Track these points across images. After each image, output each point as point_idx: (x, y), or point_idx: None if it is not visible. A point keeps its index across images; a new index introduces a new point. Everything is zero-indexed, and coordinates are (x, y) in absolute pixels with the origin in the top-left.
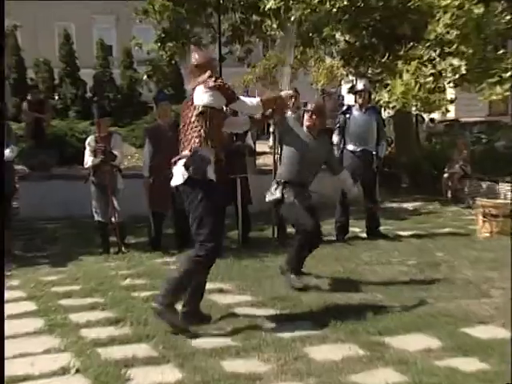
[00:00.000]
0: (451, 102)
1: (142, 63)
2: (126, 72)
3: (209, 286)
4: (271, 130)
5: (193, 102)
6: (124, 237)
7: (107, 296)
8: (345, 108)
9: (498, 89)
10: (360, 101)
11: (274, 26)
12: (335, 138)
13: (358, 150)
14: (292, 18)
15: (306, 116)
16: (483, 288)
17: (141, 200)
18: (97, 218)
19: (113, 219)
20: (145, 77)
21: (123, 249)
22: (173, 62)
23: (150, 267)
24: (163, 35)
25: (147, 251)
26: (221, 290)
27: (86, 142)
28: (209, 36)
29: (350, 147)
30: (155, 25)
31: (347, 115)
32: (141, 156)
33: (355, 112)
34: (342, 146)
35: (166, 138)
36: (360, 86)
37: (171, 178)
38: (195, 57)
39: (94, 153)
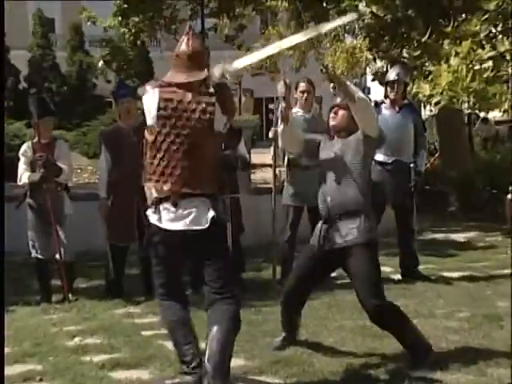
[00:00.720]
0: None
1: (96, 43)
2: (75, 55)
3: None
4: (271, 134)
5: (207, 113)
6: (72, 280)
7: (47, 362)
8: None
9: None
10: (392, 95)
11: None
12: None
13: (390, 161)
14: None
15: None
16: None
17: (95, 229)
18: (34, 254)
19: (57, 256)
20: (101, 62)
21: (70, 296)
22: (138, 42)
23: (106, 321)
24: (125, 6)
25: (103, 299)
26: (202, 352)
27: (21, 151)
28: (187, 8)
29: (379, 158)
30: None
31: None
32: (96, 169)
33: (385, 111)
34: None
35: (128, 145)
36: (392, 74)
37: (136, 199)
38: (190, 43)
39: (32, 165)
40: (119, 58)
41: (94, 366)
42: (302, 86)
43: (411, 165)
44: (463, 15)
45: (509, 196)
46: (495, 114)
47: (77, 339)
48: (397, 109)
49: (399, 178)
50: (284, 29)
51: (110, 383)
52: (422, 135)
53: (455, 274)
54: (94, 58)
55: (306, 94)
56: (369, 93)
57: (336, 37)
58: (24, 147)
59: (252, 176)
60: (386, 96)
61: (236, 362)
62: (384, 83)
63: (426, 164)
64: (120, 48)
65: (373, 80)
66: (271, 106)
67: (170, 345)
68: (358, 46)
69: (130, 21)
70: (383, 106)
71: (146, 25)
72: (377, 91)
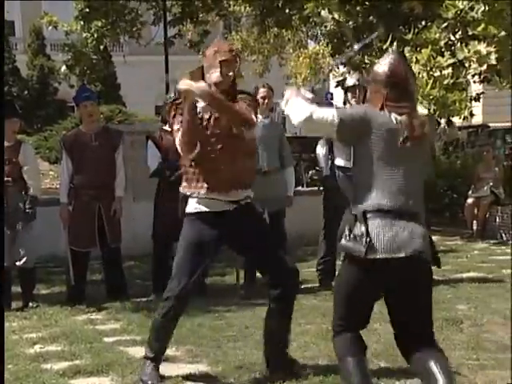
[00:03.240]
0: (475, 100)
1: (58, 47)
2: (36, 59)
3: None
4: None
5: None
6: (32, 286)
7: (7, 370)
8: None
9: None
10: (353, 101)
11: None
12: (320, 150)
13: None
14: None
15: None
16: None
17: (56, 234)
18: None
19: (18, 262)
20: (63, 68)
21: (31, 303)
22: (101, 47)
23: (68, 328)
24: (87, 10)
25: (64, 305)
26: (166, 358)
27: None
28: (150, 12)
29: (340, 162)
30: None
31: None
32: (57, 175)
33: None
34: (329, 161)
35: (90, 150)
36: (352, 80)
37: (98, 205)
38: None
39: None
40: (82, 63)
41: (54, 373)
42: (262, 91)
43: None
44: (423, 23)
45: (468, 201)
46: (454, 121)
47: (37, 347)
48: None
49: None
50: (247, 34)
51: None
52: None
53: None
54: (56, 62)
55: (266, 100)
56: (331, 98)
57: (299, 43)
58: None
59: None
60: (345, 102)
61: (199, 368)
62: (344, 89)
63: None
64: (83, 53)
65: (336, 86)
66: None
67: (131, 351)
68: (321, 51)
69: (93, 25)
70: None
71: (109, 29)
72: (339, 96)
